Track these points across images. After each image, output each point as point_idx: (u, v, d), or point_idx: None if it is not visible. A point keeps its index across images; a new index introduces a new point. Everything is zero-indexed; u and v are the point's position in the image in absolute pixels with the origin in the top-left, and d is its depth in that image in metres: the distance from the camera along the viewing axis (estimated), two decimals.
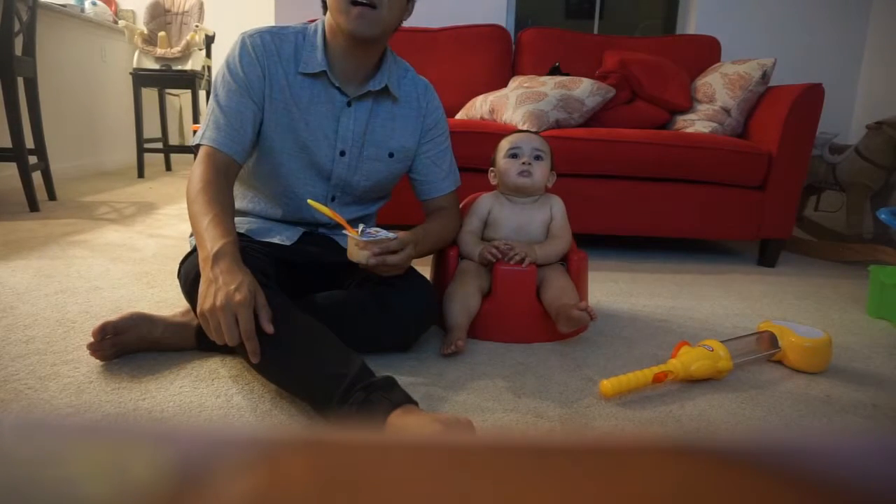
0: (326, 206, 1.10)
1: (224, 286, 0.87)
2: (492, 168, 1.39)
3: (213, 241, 0.93)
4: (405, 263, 1.08)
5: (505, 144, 1.36)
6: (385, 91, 1.16)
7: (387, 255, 1.03)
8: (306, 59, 1.11)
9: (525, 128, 1.95)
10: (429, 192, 1.27)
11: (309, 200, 1.04)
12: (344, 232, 1.05)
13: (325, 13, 1.12)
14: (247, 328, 0.86)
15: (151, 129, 3.71)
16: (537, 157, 1.33)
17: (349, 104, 1.14)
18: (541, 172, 1.32)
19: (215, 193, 1.00)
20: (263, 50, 1.09)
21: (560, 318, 1.16)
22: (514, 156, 1.33)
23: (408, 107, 1.21)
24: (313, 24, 1.15)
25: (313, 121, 1.12)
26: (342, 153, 1.15)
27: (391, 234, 1.05)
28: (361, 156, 1.17)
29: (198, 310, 0.89)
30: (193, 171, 1.04)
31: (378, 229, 1.07)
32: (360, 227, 1.06)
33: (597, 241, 2.13)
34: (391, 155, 1.20)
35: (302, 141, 1.12)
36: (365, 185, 1.20)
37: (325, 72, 1.10)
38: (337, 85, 1.12)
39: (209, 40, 3.60)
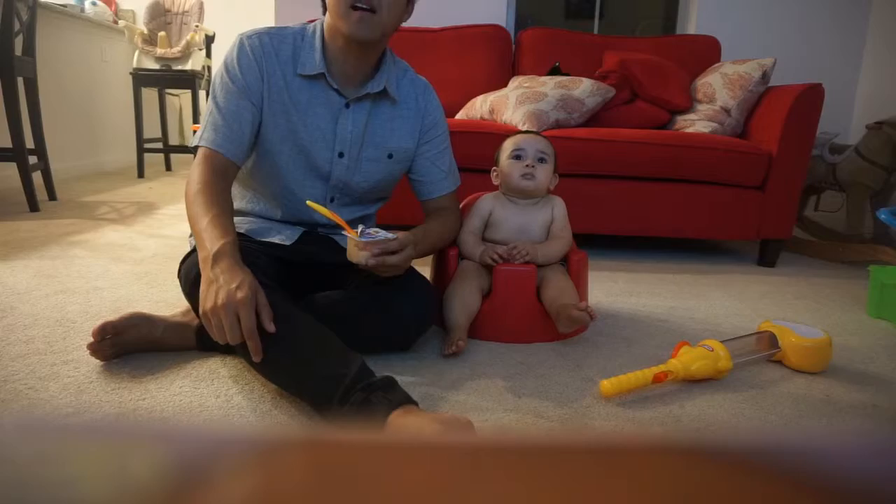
0: (325, 206, 1.10)
1: (225, 285, 0.87)
2: (495, 168, 1.39)
3: (212, 242, 0.93)
4: (405, 264, 1.08)
5: (509, 145, 1.35)
6: (384, 93, 1.16)
7: (386, 256, 1.03)
8: (304, 60, 1.10)
9: (525, 128, 1.94)
10: (429, 192, 1.27)
11: (308, 202, 1.04)
12: (343, 232, 1.05)
13: (324, 13, 1.12)
14: (248, 326, 0.86)
15: (151, 129, 3.71)
16: (541, 160, 1.32)
17: (347, 106, 1.14)
18: (544, 175, 1.32)
19: (214, 194, 1.00)
20: (262, 51, 1.09)
21: (560, 318, 1.16)
22: (517, 157, 1.32)
23: (406, 107, 1.21)
24: (312, 24, 1.15)
25: (311, 122, 1.12)
26: (340, 155, 1.15)
27: (391, 235, 1.05)
28: (360, 157, 1.17)
29: (199, 309, 0.89)
30: (192, 172, 1.04)
31: (378, 230, 1.06)
32: (360, 227, 1.05)
33: (597, 241, 2.13)
34: (390, 156, 1.20)
35: (300, 142, 1.12)
36: (364, 186, 1.20)
37: (323, 73, 1.10)
38: (335, 87, 1.11)
39: (209, 40, 3.60)
